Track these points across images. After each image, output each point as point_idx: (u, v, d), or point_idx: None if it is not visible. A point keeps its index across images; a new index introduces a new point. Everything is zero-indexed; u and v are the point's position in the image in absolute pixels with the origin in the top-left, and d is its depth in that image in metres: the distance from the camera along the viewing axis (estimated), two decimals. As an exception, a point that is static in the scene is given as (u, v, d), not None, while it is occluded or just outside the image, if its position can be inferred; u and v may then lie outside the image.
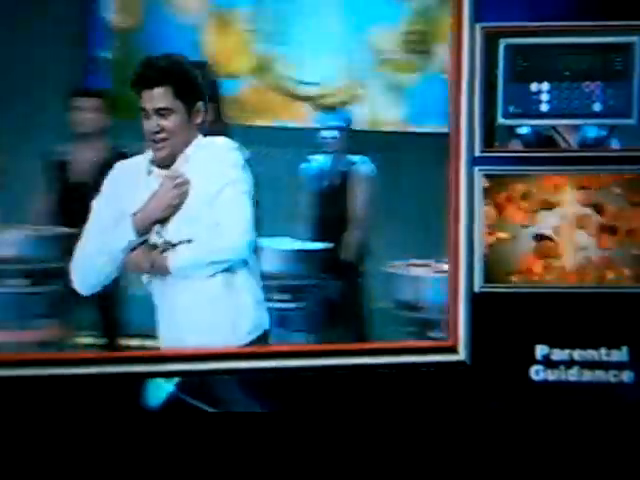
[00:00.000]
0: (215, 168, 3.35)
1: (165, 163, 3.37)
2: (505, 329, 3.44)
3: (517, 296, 3.45)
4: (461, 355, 3.45)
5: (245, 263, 3.36)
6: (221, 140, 3.44)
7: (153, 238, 3.35)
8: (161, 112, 3.32)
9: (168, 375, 3.45)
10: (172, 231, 3.35)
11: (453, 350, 3.45)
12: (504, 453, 3.45)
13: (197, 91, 3.39)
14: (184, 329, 3.35)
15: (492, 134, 3.44)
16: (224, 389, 3.48)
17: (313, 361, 3.48)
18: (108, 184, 3.44)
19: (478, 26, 3.39)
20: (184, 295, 3.34)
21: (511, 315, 3.45)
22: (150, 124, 3.33)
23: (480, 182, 3.42)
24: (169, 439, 3.48)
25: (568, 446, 3.44)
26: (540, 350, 3.45)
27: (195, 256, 3.32)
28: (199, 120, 3.38)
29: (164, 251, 3.33)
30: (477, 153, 3.43)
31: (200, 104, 3.38)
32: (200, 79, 3.43)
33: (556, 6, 3.40)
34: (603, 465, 3.43)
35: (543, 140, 3.44)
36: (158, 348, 3.42)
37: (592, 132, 3.45)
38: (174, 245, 3.33)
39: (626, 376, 3.44)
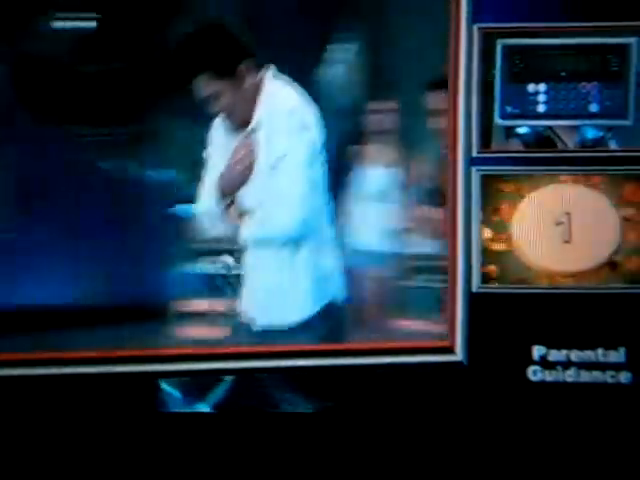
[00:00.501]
0: (277, 133, 3.31)
1: (240, 125, 3.34)
2: (502, 330, 3.44)
3: (514, 297, 3.45)
4: (458, 356, 3.44)
5: (313, 233, 3.34)
6: (284, 96, 3.36)
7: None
8: (211, 97, 3.30)
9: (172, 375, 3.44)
10: (244, 197, 3.35)
11: (450, 351, 3.44)
12: (502, 454, 3.45)
13: (236, 58, 3.31)
14: (255, 297, 3.40)
15: (489, 134, 3.45)
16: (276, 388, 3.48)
17: (309, 361, 3.47)
18: (211, 135, 3.47)
19: (475, 27, 3.40)
20: (255, 262, 3.37)
21: (508, 316, 3.44)
22: (208, 107, 3.32)
23: (478, 182, 3.43)
24: (169, 438, 3.47)
25: (566, 447, 3.43)
26: (537, 351, 3.45)
27: (255, 227, 3.32)
28: (249, 80, 3.32)
29: (240, 216, 3.35)
30: (474, 153, 3.43)
31: (242, 67, 3.31)
32: (237, 41, 3.34)
33: (553, 7, 3.42)
34: (601, 465, 3.42)
35: (542, 140, 3.45)
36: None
37: (589, 133, 3.46)
38: (244, 211, 3.34)
39: (623, 377, 3.44)
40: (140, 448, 3.44)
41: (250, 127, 3.36)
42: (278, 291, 3.37)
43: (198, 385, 3.50)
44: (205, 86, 3.29)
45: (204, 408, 3.49)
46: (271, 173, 3.29)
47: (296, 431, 3.47)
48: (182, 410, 3.50)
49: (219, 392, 3.51)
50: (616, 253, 3.43)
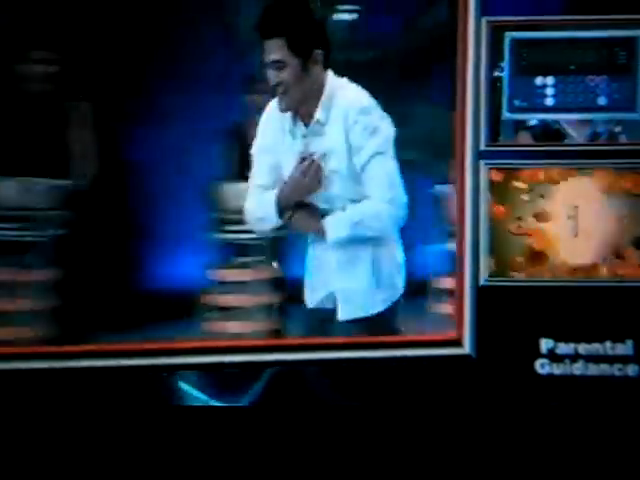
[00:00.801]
0: (356, 137, 3.31)
1: (290, 110, 3.34)
2: (510, 323, 3.44)
3: (522, 290, 3.45)
4: (466, 349, 3.45)
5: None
6: (354, 94, 3.36)
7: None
8: (276, 65, 3.27)
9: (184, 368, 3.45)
10: (324, 200, 3.37)
11: (458, 344, 3.45)
12: (509, 447, 3.45)
13: (314, 40, 3.30)
14: (326, 293, 3.42)
15: (497, 128, 3.44)
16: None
17: (317, 354, 3.47)
18: (261, 131, 3.48)
19: (484, 20, 3.39)
20: (333, 258, 3.38)
21: (516, 309, 3.45)
22: (269, 75, 3.31)
23: (486, 176, 3.43)
24: (170, 436, 3.47)
25: (573, 439, 3.44)
26: (545, 344, 3.45)
27: (346, 227, 3.32)
28: (314, 71, 3.31)
29: (323, 216, 3.36)
30: (482, 147, 3.43)
31: (317, 53, 3.30)
32: (321, 25, 3.36)
33: (562, 0, 3.42)
34: (608, 458, 3.43)
35: (552, 133, 3.45)
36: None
37: (600, 126, 3.45)
38: (327, 213, 3.35)
39: (631, 370, 3.44)
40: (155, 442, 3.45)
41: (315, 119, 3.34)
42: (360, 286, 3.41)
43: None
44: (276, 50, 3.26)
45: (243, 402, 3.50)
46: (357, 179, 3.31)
47: (300, 424, 3.47)
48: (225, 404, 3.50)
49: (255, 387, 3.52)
50: (624, 246, 3.44)
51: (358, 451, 3.47)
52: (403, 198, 3.34)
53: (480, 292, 3.44)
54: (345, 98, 3.33)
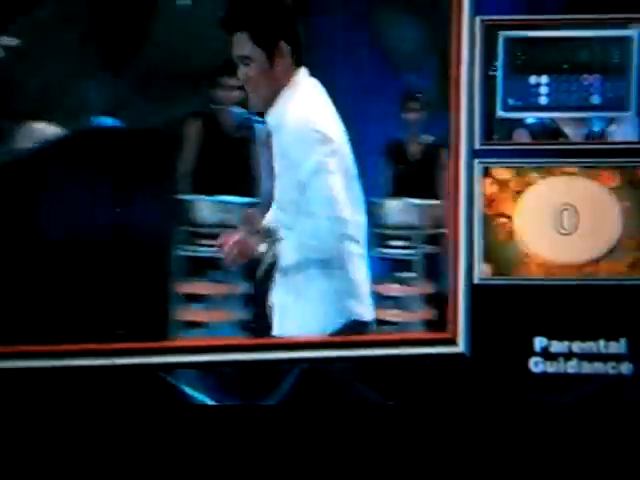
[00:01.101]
0: (299, 147, 3.12)
1: (258, 109, 3.24)
2: (504, 321, 3.45)
3: (516, 288, 3.46)
4: (460, 347, 3.45)
5: (343, 251, 3.16)
6: (302, 104, 3.16)
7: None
8: (243, 60, 3.19)
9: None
10: (271, 219, 3.25)
11: (452, 342, 3.45)
12: (503, 445, 3.46)
13: (278, 32, 3.18)
14: (279, 314, 3.29)
15: (491, 126, 3.45)
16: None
17: (310, 353, 3.47)
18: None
19: (478, 19, 3.40)
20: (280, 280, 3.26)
21: (510, 307, 3.46)
22: (238, 73, 3.23)
23: (480, 174, 3.43)
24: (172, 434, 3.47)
25: (567, 437, 3.44)
26: (539, 342, 3.46)
27: (289, 249, 3.20)
28: (282, 66, 3.18)
29: (266, 238, 3.23)
30: (477, 146, 3.44)
31: (282, 45, 3.18)
32: (286, 17, 3.22)
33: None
34: (602, 457, 3.43)
35: (549, 131, 3.46)
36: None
37: (596, 125, 3.46)
38: (273, 234, 3.22)
39: (625, 368, 3.45)
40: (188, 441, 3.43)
41: (268, 122, 3.22)
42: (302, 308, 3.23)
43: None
44: (241, 44, 3.17)
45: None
46: (302, 191, 3.11)
47: (295, 424, 3.47)
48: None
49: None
50: (617, 244, 3.45)
51: (351, 449, 3.47)
52: (346, 214, 3.13)
53: (474, 291, 3.45)
54: (295, 105, 3.18)
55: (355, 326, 3.24)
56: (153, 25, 5.13)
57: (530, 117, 3.46)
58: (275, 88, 3.20)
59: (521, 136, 3.46)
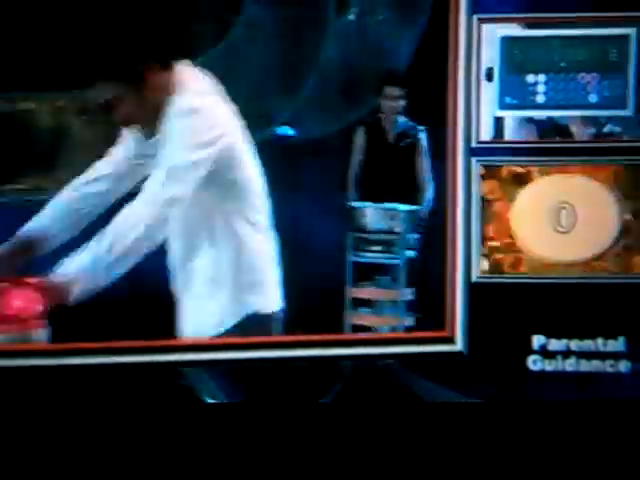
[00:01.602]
0: (175, 138, 2.87)
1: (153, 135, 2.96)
2: (502, 319, 3.45)
3: (514, 286, 3.46)
4: (458, 345, 3.45)
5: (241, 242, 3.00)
6: (188, 93, 2.91)
7: None
8: (111, 106, 2.91)
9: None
10: None
11: (450, 340, 3.45)
12: (502, 443, 3.45)
13: (138, 58, 2.89)
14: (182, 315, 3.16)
15: (489, 125, 3.46)
16: None
17: (309, 351, 3.47)
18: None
19: (475, 17, 3.41)
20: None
21: (508, 305, 3.46)
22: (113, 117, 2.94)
23: (477, 172, 3.44)
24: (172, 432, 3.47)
25: (566, 436, 3.44)
26: (537, 340, 3.46)
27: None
28: (152, 87, 2.90)
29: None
30: (474, 144, 3.44)
31: (146, 67, 2.89)
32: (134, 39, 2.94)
33: (553, -3, 3.44)
34: (600, 455, 3.43)
35: (553, 129, 3.47)
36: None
37: (599, 124, 3.47)
38: None
39: (623, 366, 3.45)
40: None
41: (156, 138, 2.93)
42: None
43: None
44: (104, 92, 2.89)
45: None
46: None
47: (290, 423, 3.47)
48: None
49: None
50: (615, 242, 3.45)
51: (348, 448, 3.47)
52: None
53: (472, 289, 3.45)
54: (178, 102, 2.92)
55: (256, 320, 3.06)
56: (326, 42, 5.40)
57: (527, 116, 3.47)
58: (158, 103, 2.92)
59: (529, 132, 3.47)
